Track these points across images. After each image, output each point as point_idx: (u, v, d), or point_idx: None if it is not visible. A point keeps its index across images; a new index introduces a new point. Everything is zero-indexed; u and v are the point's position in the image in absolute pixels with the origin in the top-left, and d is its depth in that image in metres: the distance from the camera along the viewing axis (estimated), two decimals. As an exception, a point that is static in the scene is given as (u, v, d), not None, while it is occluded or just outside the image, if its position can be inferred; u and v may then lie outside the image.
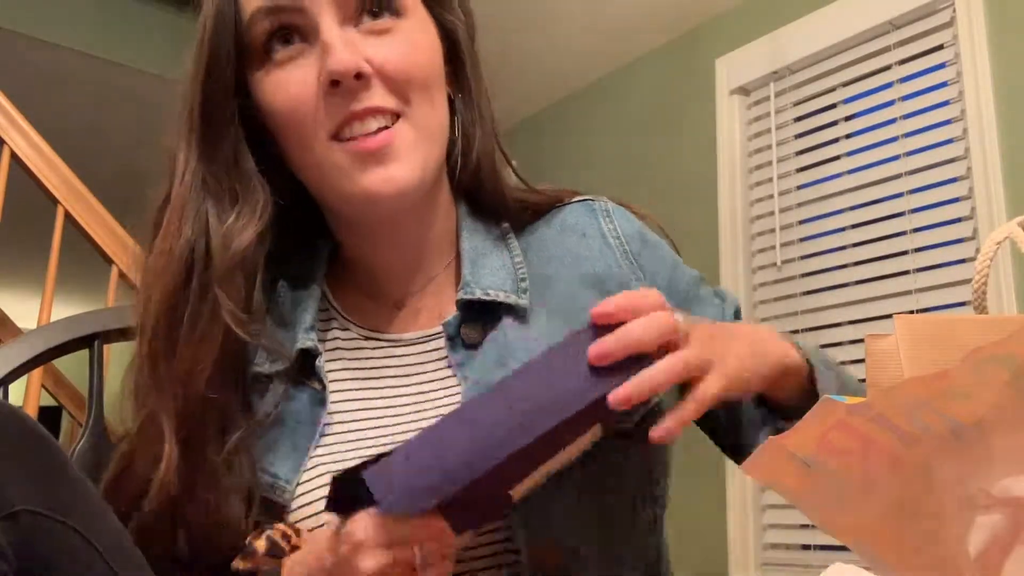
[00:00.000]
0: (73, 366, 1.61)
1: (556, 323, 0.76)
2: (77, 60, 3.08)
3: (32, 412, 2.15)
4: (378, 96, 0.70)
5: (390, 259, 0.80)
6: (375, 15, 0.72)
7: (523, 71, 3.22)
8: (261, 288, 0.75)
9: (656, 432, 0.59)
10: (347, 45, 0.69)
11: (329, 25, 0.70)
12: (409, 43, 0.73)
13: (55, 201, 2.27)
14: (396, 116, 0.71)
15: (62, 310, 1.51)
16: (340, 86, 0.69)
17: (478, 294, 0.76)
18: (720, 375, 0.61)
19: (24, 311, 3.83)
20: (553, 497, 0.69)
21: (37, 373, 2.16)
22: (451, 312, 0.77)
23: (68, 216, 2.27)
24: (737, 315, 0.85)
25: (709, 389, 0.60)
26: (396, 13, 0.73)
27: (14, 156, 2.26)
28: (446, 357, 0.76)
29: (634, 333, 0.58)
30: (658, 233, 0.85)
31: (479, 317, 0.76)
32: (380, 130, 0.70)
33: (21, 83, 2.78)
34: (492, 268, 0.78)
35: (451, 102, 0.79)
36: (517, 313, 0.76)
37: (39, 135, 2.29)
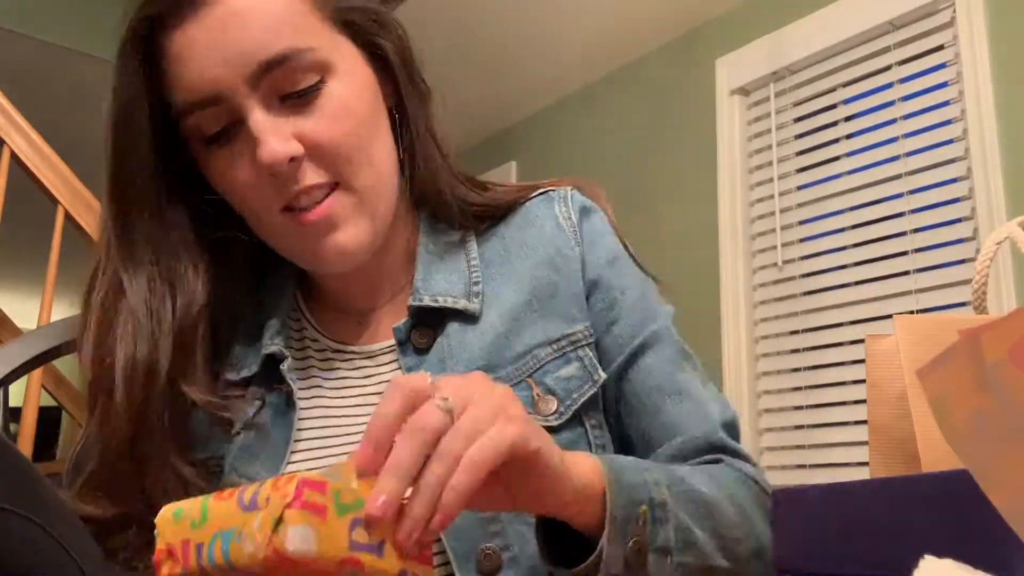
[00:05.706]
0: (73, 366, 1.61)
1: (506, 319, 0.78)
2: (77, 60, 3.08)
3: (32, 412, 2.15)
4: (311, 174, 0.71)
5: (351, 287, 0.82)
6: (297, 84, 0.71)
7: (523, 71, 3.22)
8: (209, 329, 0.77)
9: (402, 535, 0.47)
10: (275, 133, 0.69)
11: (253, 112, 0.69)
12: (338, 107, 0.72)
13: (55, 201, 2.27)
14: (334, 186, 0.72)
15: (62, 310, 1.51)
16: (277, 173, 0.70)
17: (426, 301, 0.77)
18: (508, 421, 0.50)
19: (24, 311, 3.82)
20: None
21: (37, 373, 2.16)
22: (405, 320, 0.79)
23: (68, 216, 2.27)
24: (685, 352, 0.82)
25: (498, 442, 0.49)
26: (320, 73, 0.71)
27: (14, 156, 2.26)
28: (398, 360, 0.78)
29: (403, 463, 0.47)
30: (612, 225, 0.85)
31: (429, 322, 0.78)
32: (325, 197, 0.72)
33: (21, 83, 2.78)
34: (445, 273, 0.80)
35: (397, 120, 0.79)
36: (465, 316, 0.78)
37: (39, 135, 2.29)
